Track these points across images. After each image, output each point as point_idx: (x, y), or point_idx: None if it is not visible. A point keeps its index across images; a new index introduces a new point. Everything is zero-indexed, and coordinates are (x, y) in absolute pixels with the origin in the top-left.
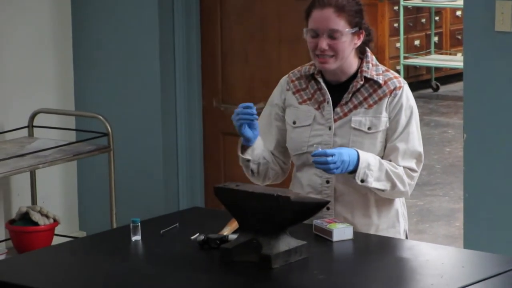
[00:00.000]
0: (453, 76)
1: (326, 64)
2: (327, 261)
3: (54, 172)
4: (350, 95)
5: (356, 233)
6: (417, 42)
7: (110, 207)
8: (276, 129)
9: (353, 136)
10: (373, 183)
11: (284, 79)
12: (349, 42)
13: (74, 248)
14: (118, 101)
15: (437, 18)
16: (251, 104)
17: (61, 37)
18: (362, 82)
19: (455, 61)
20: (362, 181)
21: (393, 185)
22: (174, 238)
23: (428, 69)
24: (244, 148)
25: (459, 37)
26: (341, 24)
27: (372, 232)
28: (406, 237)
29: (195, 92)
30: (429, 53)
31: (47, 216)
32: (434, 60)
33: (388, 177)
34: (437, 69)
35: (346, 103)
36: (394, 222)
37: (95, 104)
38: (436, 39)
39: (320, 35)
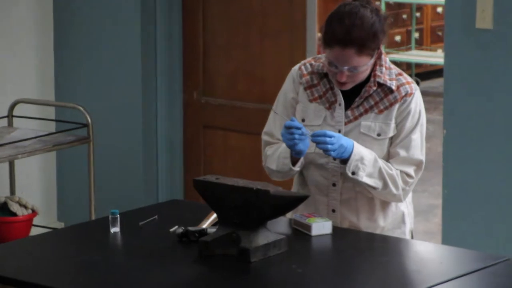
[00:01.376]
0: (433, 72)
1: (344, 87)
2: (305, 255)
3: (33, 163)
4: (362, 99)
5: (335, 228)
6: (398, 38)
7: (89, 198)
8: None
9: (361, 141)
10: (364, 177)
11: (295, 72)
12: (369, 67)
13: (52, 239)
14: (99, 92)
15: (418, 14)
16: (299, 125)
17: (42, 27)
18: (375, 88)
19: (435, 57)
20: (353, 173)
21: (385, 185)
22: (153, 231)
23: (409, 65)
24: (294, 159)
25: (440, 33)
26: (362, 61)
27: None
28: (412, 237)
29: (176, 84)
30: (409, 48)
31: (25, 207)
32: (415, 56)
33: (381, 176)
34: (418, 65)
35: (357, 106)
36: (400, 223)
37: (75, 94)
38: (417, 35)
39: (341, 69)
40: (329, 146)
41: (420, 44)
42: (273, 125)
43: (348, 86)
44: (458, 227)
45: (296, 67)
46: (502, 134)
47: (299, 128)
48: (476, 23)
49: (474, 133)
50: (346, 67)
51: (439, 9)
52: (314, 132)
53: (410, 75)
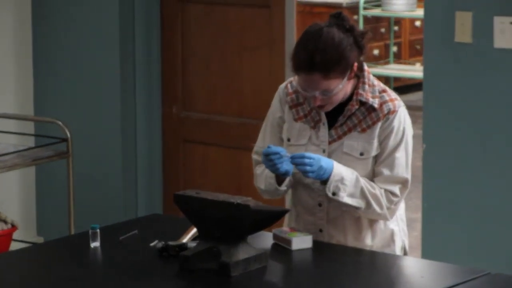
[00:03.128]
0: (411, 86)
1: (323, 109)
2: (286, 269)
3: (12, 177)
4: (345, 118)
5: (315, 242)
6: (376, 52)
7: (68, 213)
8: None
9: (344, 161)
10: (345, 198)
11: (282, 90)
12: (344, 86)
13: (32, 254)
14: (78, 107)
15: (396, 28)
16: (276, 150)
17: (20, 41)
18: (357, 106)
19: (414, 70)
20: (334, 194)
21: (368, 205)
22: (133, 245)
23: (387, 78)
24: (281, 179)
25: (418, 47)
26: (332, 84)
27: None
28: (405, 254)
29: (155, 98)
30: (387, 62)
31: (5, 221)
32: (393, 69)
33: (363, 196)
34: (396, 78)
35: (341, 125)
36: (389, 242)
37: (54, 109)
38: (395, 48)
39: (312, 94)
40: (308, 168)
41: (398, 58)
42: (262, 143)
43: (327, 108)
44: (438, 241)
45: (283, 85)
46: (481, 148)
47: (277, 153)
48: (455, 37)
49: (454, 147)
50: (316, 92)
51: (417, 23)
52: (293, 154)
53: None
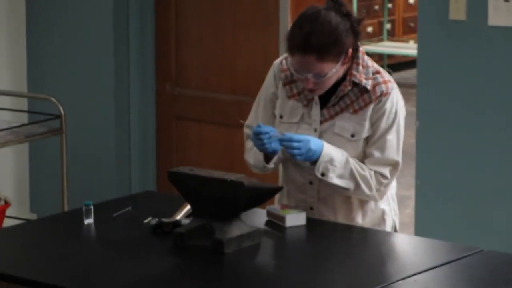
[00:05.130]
0: (405, 63)
1: (314, 93)
2: (279, 246)
3: (5, 154)
4: (338, 98)
5: (309, 219)
6: (369, 29)
7: (61, 189)
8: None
9: (335, 142)
10: (334, 178)
11: (277, 66)
12: (337, 70)
13: (25, 231)
14: (71, 83)
15: (390, 5)
16: (267, 130)
17: (13, 16)
18: (350, 87)
19: (407, 48)
20: (323, 174)
21: (357, 186)
22: (127, 222)
23: (381, 56)
24: (269, 156)
25: (412, 24)
26: (325, 67)
27: None
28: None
29: (149, 75)
30: (381, 40)
31: None
32: (387, 47)
33: (353, 177)
34: (390, 56)
35: (333, 105)
36: (380, 221)
37: (48, 86)
38: (388, 26)
39: (305, 76)
40: (295, 151)
41: (392, 35)
42: (254, 118)
43: (318, 92)
44: (431, 218)
45: (278, 60)
46: (475, 126)
47: (267, 133)
48: (449, 14)
49: (447, 124)
50: (309, 74)
51: (411, 0)
52: (282, 137)
53: (382, 66)
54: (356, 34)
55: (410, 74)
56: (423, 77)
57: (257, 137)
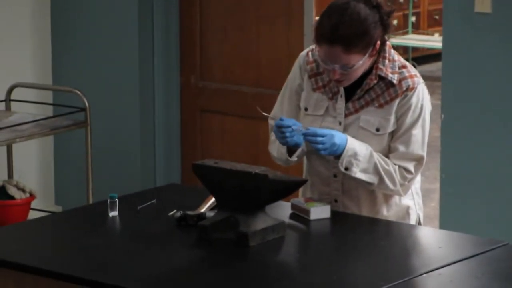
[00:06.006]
0: (430, 56)
1: (340, 84)
2: (304, 239)
3: (31, 146)
4: (363, 92)
5: (333, 212)
6: (394, 22)
7: (86, 182)
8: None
9: (360, 136)
10: (357, 173)
11: (303, 58)
12: (364, 62)
13: (50, 223)
14: (96, 76)
15: None
16: (289, 123)
17: (39, 10)
18: (376, 81)
19: (432, 41)
20: (346, 169)
21: (381, 181)
22: (152, 215)
23: (405, 49)
24: (292, 150)
25: (437, 17)
26: (352, 59)
27: None
28: None
29: (173, 68)
30: (406, 32)
31: (23, 190)
32: (412, 40)
33: (376, 171)
34: (414, 49)
35: (358, 99)
36: (404, 215)
37: (72, 78)
38: (413, 19)
39: (332, 67)
40: (320, 146)
41: (417, 28)
42: (279, 109)
43: (344, 84)
44: (456, 211)
45: (304, 52)
46: (500, 119)
47: (289, 126)
48: (474, 7)
49: (472, 117)
50: (336, 65)
51: None
52: (306, 131)
53: (407, 59)
54: (385, 27)
55: (435, 67)
56: (448, 70)
57: (279, 130)
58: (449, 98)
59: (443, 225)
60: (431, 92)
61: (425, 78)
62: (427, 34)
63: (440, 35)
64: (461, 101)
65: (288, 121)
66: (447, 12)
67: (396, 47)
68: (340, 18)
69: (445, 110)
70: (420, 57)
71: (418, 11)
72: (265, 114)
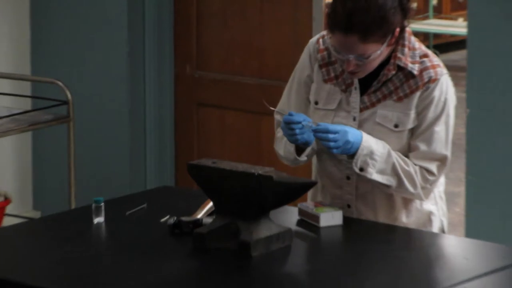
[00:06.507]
0: (453, 43)
1: (355, 76)
2: (312, 249)
3: (6, 144)
4: (380, 84)
5: (346, 218)
6: (413, 6)
7: (68, 184)
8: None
9: (377, 133)
10: (373, 174)
11: (312, 45)
12: (382, 52)
13: (28, 230)
14: (80, 66)
15: None
16: (299, 119)
17: None
18: (394, 72)
19: (456, 27)
20: (362, 169)
21: (400, 183)
22: (142, 221)
23: (426, 35)
24: (300, 148)
25: (461, 0)
26: (369, 49)
27: None
28: None
29: (167, 57)
30: (427, 17)
31: None
32: (433, 25)
33: (395, 172)
34: (436, 35)
35: (375, 92)
36: (426, 222)
37: (53, 68)
38: (435, 1)
39: (346, 57)
40: (332, 144)
41: (438, 12)
42: (287, 103)
43: (360, 75)
44: (483, 218)
45: (314, 39)
46: None
47: (299, 122)
48: None
49: (501, 112)
50: (351, 56)
51: None
52: (316, 127)
53: (428, 47)
54: (405, 12)
55: (459, 56)
56: (474, 59)
57: (288, 126)
58: (475, 91)
59: (469, 233)
60: (455, 83)
61: (448, 68)
62: (450, 18)
63: (464, 20)
64: (488, 93)
65: (298, 116)
66: None
67: (415, 34)
68: (356, 4)
69: (470, 103)
70: (442, 45)
71: None
72: (272, 108)
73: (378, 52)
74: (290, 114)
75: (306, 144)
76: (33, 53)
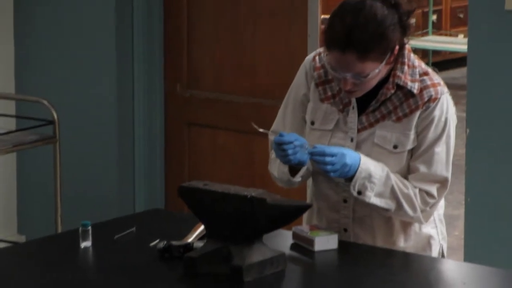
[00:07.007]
0: (453, 61)
1: (352, 95)
2: (307, 274)
3: None
4: (379, 103)
5: (342, 243)
6: (412, 21)
7: (54, 207)
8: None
9: (375, 154)
10: (372, 198)
11: (309, 63)
12: (381, 70)
13: (12, 255)
14: (66, 85)
15: None
16: (291, 139)
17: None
18: (393, 91)
19: (456, 43)
20: (359, 193)
21: (399, 206)
22: (131, 245)
23: (425, 52)
24: (295, 169)
25: (461, 15)
26: (368, 67)
27: None
28: None
29: (156, 75)
30: (426, 33)
31: None
32: (432, 42)
33: (394, 196)
34: (435, 52)
35: (373, 111)
36: (425, 246)
37: (39, 87)
38: (434, 17)
39: (343, 76)
40: (329, 167)
41: (438, 29)
42: (282, 123)
43: (357, 94)
44: (482, 241)
45: (310, 56)
46: None
47: (290, 142)
48: (505, 4)
49: (502, 132)
50: (348, 74)
51: None
52: (312, 150)
53: (427, 64)
54: (404, 29)
55: (459, 74)
56: (474, 76)
57: (280, 147)
58: (476, 110)
59: (468, 257)
60: (455, 102)
61: (448, 86)
62: (450, 35)
63: (465, 37)
64: (489, 113)
65: (289, 137)
66: (473, 10)
67: (414, 51)
68: (354, 20)
69: (470, 123)
70: (441, 62)
71: (440, 8)
72: (261, 130)
73: (376, 71)
74: (281, 135)
75: (300, 164)
76: (17, 71)
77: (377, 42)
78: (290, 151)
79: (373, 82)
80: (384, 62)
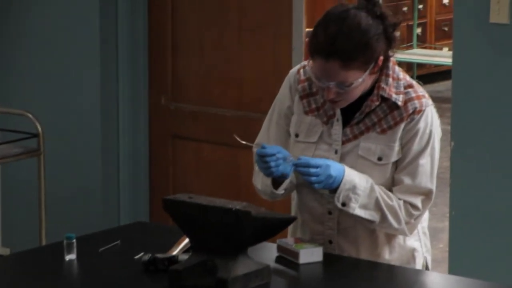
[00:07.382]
0: (438, 74)
1: (335, 105)
2: (292, 286)
3: None
4: (363, 115)
5: (326, 255)
6: (397, 34)
7: (39, 220)
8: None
9: (360, 166)
10: (356, 209)
11: (293, 76)
12: (365, 80)
13: None
14: (50, 97)
15: (420, 6)
16: (273, 151)
17: None
18: (378, 103)
19: (440, 56)
20: (344, 204)
21: (384, 218)
22: (115, 258)
23: (410, 65)
24: (278, 181)
25: (446, 29)
26: (351, 76)
27: None
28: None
29: (141, 88)
30: (410, 47)
31: None
32: (417, 55)
33: (378, 208)
34: (420, 65)
35: (357, 123)
36: (409, 259)
37: (23, 100)
38: (419, 30)
39: (326, 84)
40: (313, 179)
41: (423, 42)
42: (266, 136)
43: (341, 105)
44: (467, 254)
45: (295, 69)
46: None
47: (273, 155)
48: (490, 17)
49: (486, 145)
50: (332, 83)
51: (445, 1)
52: (297, 161)
53: (412, 77)
54: (389, 41)
55: (444, 87)
56: (459, 90)
57: (262, 159)
58: (460, 123)
59: (452, 270)
60: (439, 115)
61: (432, 99)
62: (435, 48)
63: (449, 50)
64: (473, 126)
65: (272, 149)
66: (458, 23)
67: (399, 64)
68: (338, 29)
69: (455, 136)
70: (426, 75)
71: (425, 21)
72: (244, 142)
73: (359, 80)
74: (263, 147)
75: (283, 177)
76: (1, 84)
77: (360, 50)
78: (272, 163)
79: (357, 92)
80: (368, 72)
